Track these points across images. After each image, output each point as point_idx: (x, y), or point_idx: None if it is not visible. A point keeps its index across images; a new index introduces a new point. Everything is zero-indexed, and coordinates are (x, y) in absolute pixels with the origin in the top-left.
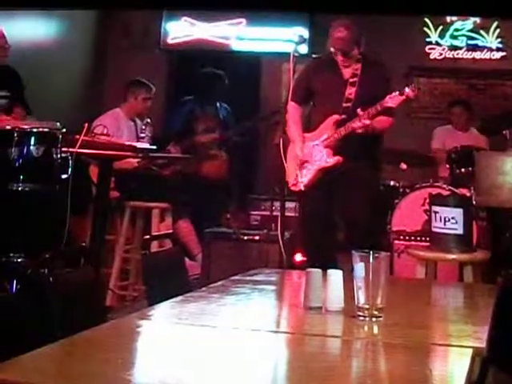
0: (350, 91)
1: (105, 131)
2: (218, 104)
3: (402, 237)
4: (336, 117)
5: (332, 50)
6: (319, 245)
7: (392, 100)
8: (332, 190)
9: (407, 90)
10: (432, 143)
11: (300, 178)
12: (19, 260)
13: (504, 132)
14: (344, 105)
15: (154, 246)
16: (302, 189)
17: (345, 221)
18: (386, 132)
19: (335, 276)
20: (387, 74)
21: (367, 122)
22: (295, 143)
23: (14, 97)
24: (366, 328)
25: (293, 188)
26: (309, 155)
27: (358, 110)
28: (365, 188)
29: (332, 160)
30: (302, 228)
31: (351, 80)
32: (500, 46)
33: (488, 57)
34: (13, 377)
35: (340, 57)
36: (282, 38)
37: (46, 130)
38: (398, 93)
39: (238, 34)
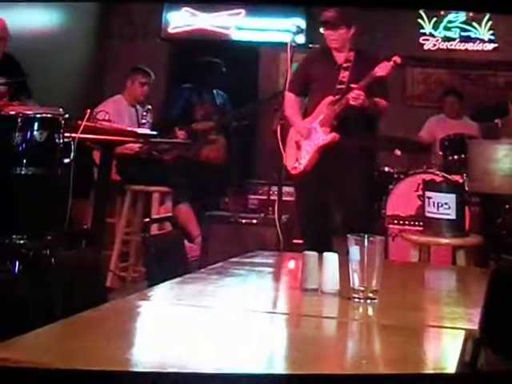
0: (344, 75)
1: (106, 117)
2: (215, 91)
3: (396, 221)
4: (330, 98)
5: (322, 30)
6: (315, 229)
7: (381, 69)
8: (328, 174)
9: (395, 57)
10: (426, 134)
11: (299, 160)
12: (22, 242)
13: (496, 121)
14: (338, 87)
15: (154, 229)
16: (302, 169)
17: (341, 205)
18: (382, 114)
19: (331, 259)
20: (379, 62)
21: (359, 92)
22: (294, 125)
23: (15, 83)
24: (360, 310)
25: (293, 171)
26: (307, 137)
27: (352, 85)
28: (361, 171)
29: (328, 137)
30: (298, 212)
31: (344, 65)
32: (492, 37)
33: (480, 48)
34: (15, 355)
35: (329, 33)
36: (280, 29)
37: (49, 115)
38: (385, 62)
39: (238, 25)
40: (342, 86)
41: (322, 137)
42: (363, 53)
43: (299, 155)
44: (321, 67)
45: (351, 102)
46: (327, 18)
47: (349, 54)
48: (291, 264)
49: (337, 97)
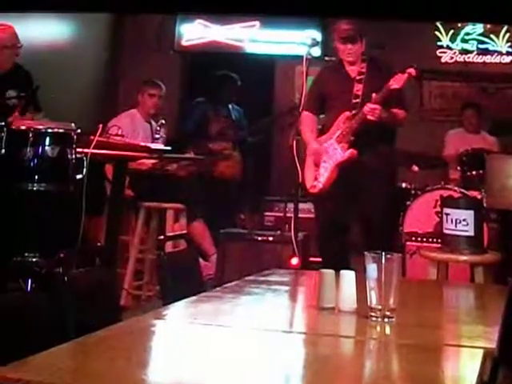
0: (358, 88)
1: (119, 132)
2: (230, 106)
3: (414, 238)
4: (347, 113)
5: (337, 44)
6: (333, 246)
7: (396, 81)
8: (347, 190)
9: (409, 69)
10: (444, 149)
11: (318, 179)
12: (34, 259)
13: None
14: (353, 101)
15: (169, 247)
16: (321, 187)
17: (359, 222)
18: (400, 125)
19: (348, 277)
20: (392, 71)
21: (375, 106)
22: (310, 144)
23: (27, 96)
24: (378, 328)
25: (311, 190)
26: (325, 154)
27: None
28: (380, 187)
29: (346, 153)
30: (316, 230)
31: (358, 78)
32: (510, 50)
33: (498, 61)
34: (27, 376)
35: (347, 48)
36: (295, 41)
37: (61, 130)
38: (399, 74)
39: (252, 37)
40: (357, 100)
41: (340, 153)
42: (375, 63)
43: (317, 173)
44: (334, 82)
45: (368, 117)
46: (346, 32)
47: (361, 66)
48: (308, 282)
49: (353, 111)
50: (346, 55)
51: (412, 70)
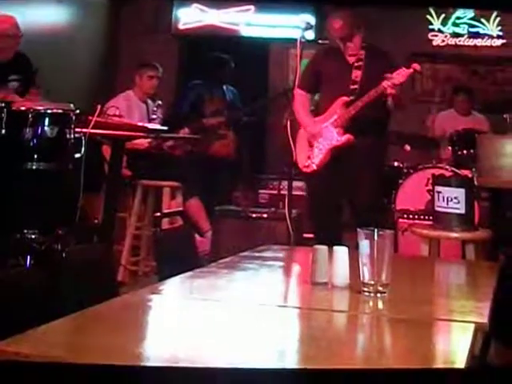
0: (356, 74)
1: (117, 112)
2: (224, 87)
3: (405, 215)
4: (344, 98)
5: (336, 40)
6: (326, 224)
7: (400, 75)
8: (339, 171)
9: (414, 64)
10: (436, 129)
11: (312, 159)
12: (33, 236)
13: (504, 116)
14: (351, 87)
15: (165, 224)
16: (315, 168)
17: (351, 200)
18: (403, 107)
19: (341, 252)
20: (391, 60)
21: (392, 90)
22: (305, 124)
23: (26, 80)
24: (371, 303)
25: (305, 169)
26: (320, 136)
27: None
28: (372, 168)
29: (343, 138)
30: (309, 207)
31: (356, 64)
32: (500, 33)
33: (489, 44)
34: (26, 349)
35: (342, 45)
36: (290, 25)
37: (59, 111)
38: (404, 68)
39: (247, 21)
40: (356, 86)
41: (337, 137)
42: (374, 50)
43: (311, 153)
44: (332, 65)
45: (388, 91)
46: (340, 32)
47: (360, 53)
48: (301, 258)
49: (351, 97)
50: (346, 49)
51: (417, 65)
